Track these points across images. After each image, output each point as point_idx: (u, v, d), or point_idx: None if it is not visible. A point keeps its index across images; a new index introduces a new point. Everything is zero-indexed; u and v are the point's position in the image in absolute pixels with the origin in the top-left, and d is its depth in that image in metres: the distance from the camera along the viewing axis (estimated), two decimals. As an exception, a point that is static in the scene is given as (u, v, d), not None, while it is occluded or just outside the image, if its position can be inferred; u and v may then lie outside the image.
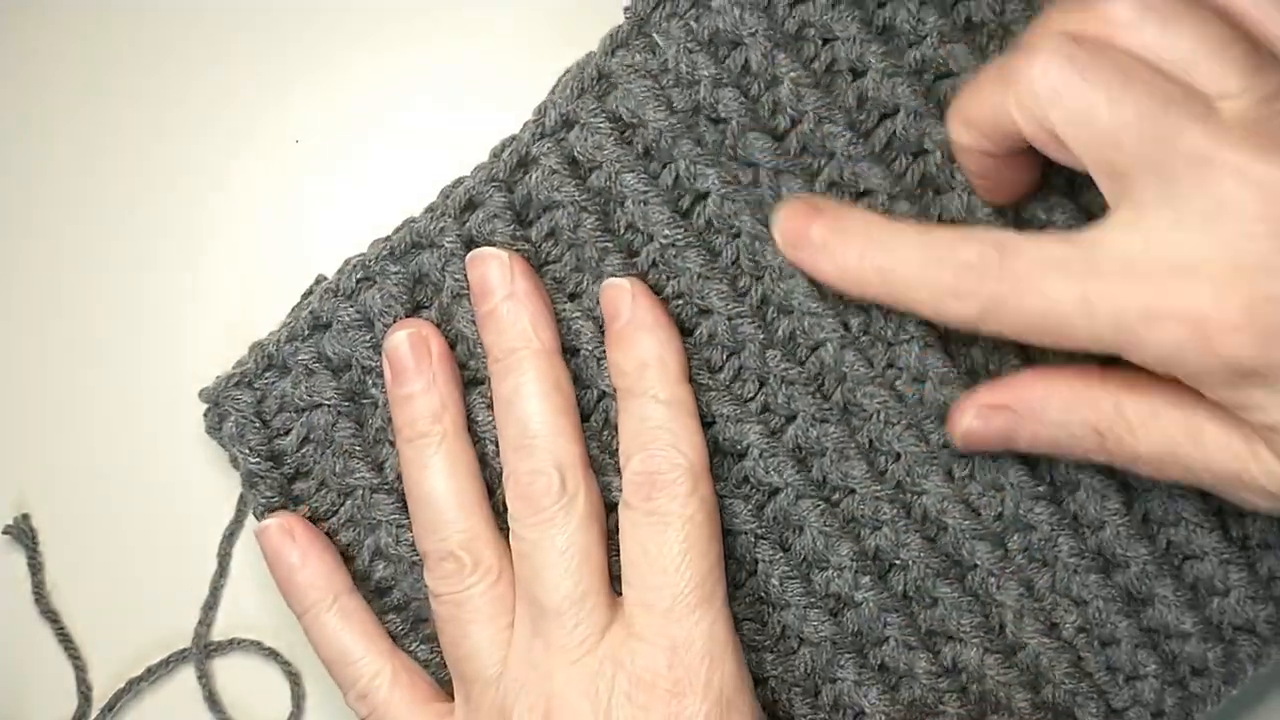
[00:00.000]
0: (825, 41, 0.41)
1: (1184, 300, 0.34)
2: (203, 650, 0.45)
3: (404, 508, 0.42)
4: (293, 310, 0.43)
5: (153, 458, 0.45)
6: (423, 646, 0.42)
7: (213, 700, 0.45)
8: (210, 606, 0.45)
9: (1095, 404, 0.38)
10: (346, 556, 0.42)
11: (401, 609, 0.43)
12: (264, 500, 0.42)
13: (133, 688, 0.44)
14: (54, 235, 0.45)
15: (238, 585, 0.45)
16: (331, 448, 0.42)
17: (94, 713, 0.45)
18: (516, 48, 0.43)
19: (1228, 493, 0.37)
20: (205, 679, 0.45)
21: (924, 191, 0.41)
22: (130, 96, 0.46)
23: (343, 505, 0.42)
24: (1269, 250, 0.33)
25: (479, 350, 0.41)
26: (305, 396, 0.42)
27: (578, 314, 0.41)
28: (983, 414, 0.40)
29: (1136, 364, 0.36)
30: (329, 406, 0.42)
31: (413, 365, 0.41)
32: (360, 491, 0.42)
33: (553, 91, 0.42)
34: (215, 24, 0.46)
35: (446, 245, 0.41)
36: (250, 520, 0.44)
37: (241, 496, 0.44)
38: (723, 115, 0.41)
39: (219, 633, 0.45)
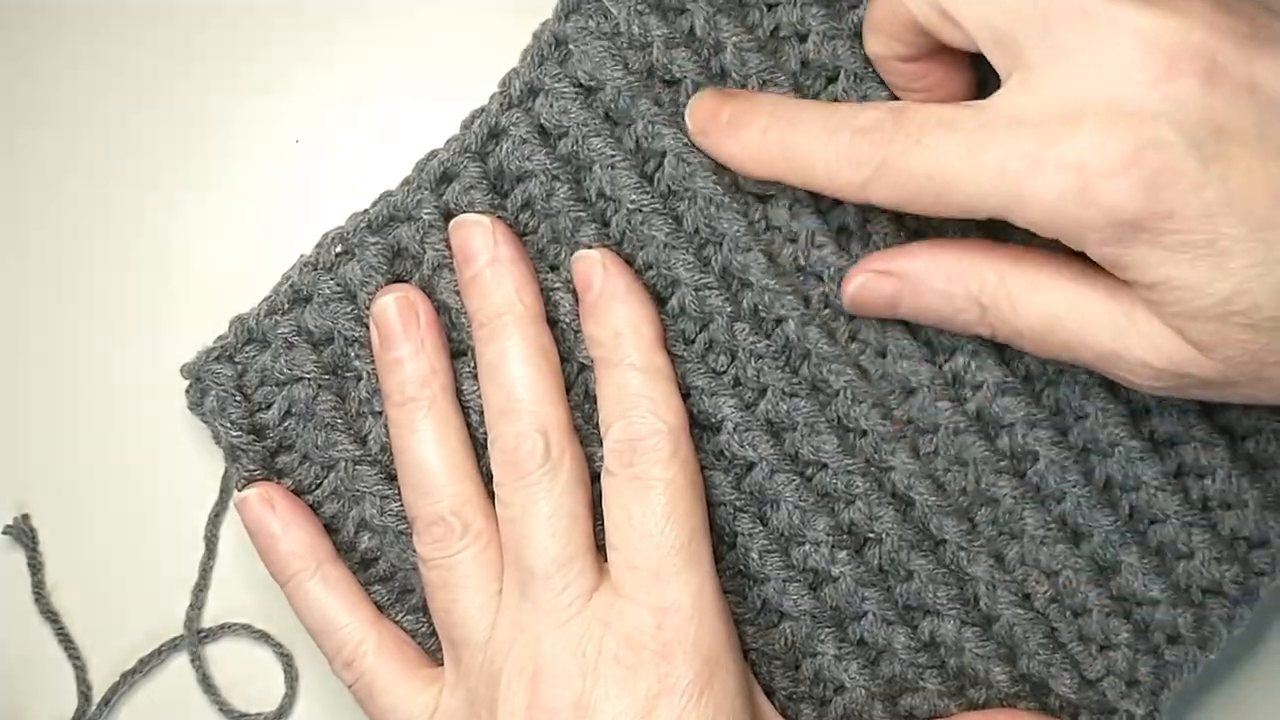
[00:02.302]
0: (769, 7, 0.42)
1: (1067, 147, 0.34)
2: (194, 636, 0.45)
3: (388, 479, 0.42)
4: (274, 287, 0.44)
5: (153, 458, 0.46)
6: (409, 617, 0.42)
7: (207, 685, 0.44)
8: (200, 589, 0.45)
9: (980, 275, 0.38)
10: (331, 529, 0.42)
11: (388, 580, 0.42)
12: (246, 473, 0.42)
13: (128, 680, 0.44)
14: (53, 236, 0.47)
15: (229, 570, 0.45)
16: (313, 421, 0.42)
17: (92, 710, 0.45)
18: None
19: (1108, 370, 0.37)
20: (199, 664, 0.45)
21: None
22: (130, 95, 0.47)
23: (326, 478, 0.43)
24: (1152, 97, 0.33)
25: (462, 320, 0.42)
26: (285, 370, 0.42)
27: (558, 285, 0.42)
28: (871, 279, 0.40)
29: (1021, 226, 0.36)
30: (309, 380, 0.42)
31: (400, 330, 0.41)
32: (343, 464, 0.42)
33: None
34: (216, 23, 0.47)
35: (425, 217, 0.42)
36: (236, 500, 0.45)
37: (224, 476, 0.45)
38: (677, 75, 0.41)
39: (212, 617, 0.45)
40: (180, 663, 0.45)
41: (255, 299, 0.43)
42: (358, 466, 0.42)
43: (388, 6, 0.47)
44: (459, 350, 0.42)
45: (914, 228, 0.41)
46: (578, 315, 0.41)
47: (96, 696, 0.45)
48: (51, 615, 0.45)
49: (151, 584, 0.45)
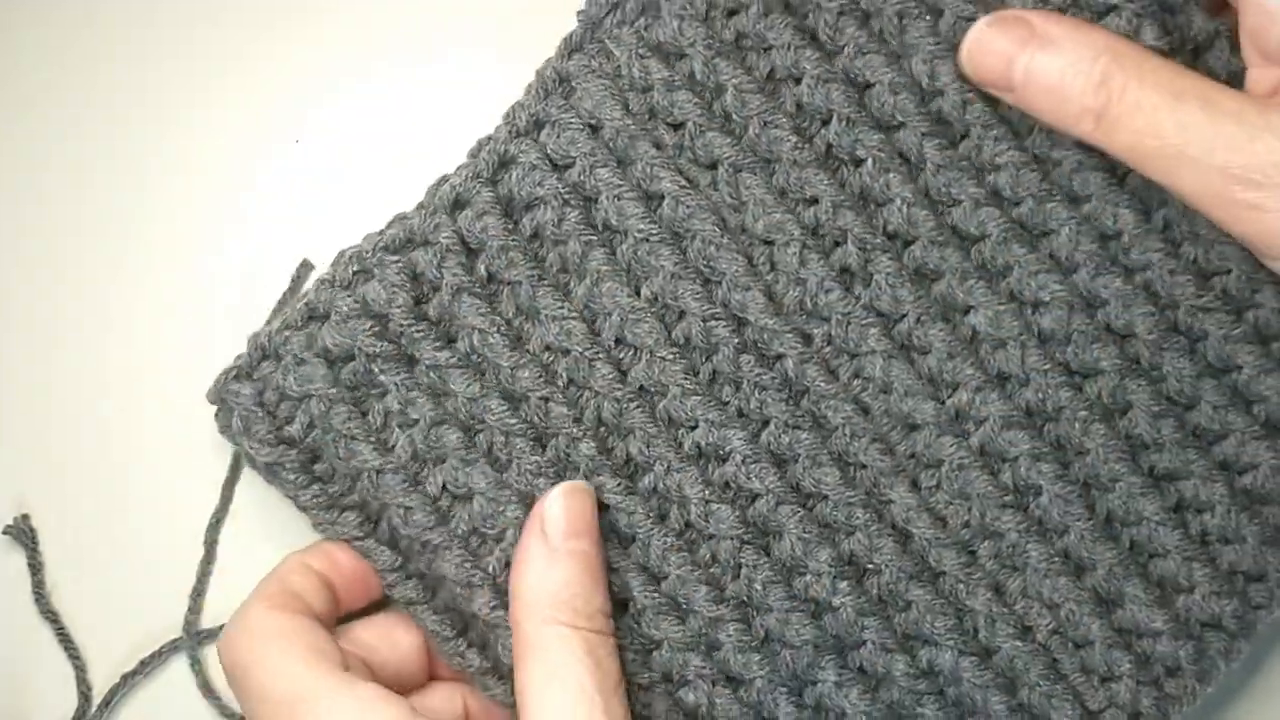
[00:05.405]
0: (765, 50, 0.42)
1: None
2: (194, 639, 0.45)
3: (410, 489, 0.42)
4: (281, 297, 0.43)
5: (154, 459, 0.46)
6: (435, 617, 0.42)
7: (207, 688, 0.45)
8: (199, 594, 0.45)
9: (1107, 44, 0.38)
10: (369, 523, 0.42)
11: (417, 578, 0.42)
12: (290, 483, 0.42)
13: (128, 681, 0.45)
14: (54, 237, 0.46)
15: (228, 572, 0.45)
16: (331, 434, 0.42)
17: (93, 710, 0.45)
18: (525, 56, 0.43)
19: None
20: (198, 667, 0.45)
21: (866, 201, 0.42)
22: (129, 95, 0.47)
23: (355, 487, 0.42)
24: None
25: (489, 341, 0.41)
26: (296, 387, 0.42)
27: (572, 315, 0.42)
28: (1002, 21, 0.39)
29: None
30: (319, 395, 0.42)
31: None
32: (367, 474, 0.42)
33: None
34: (215, 24, 0.47)
35: (442, 241, 0.42)
36: (236, 506, 0.45)
37: (225, 483, 0.45)
38: (679, 119, 0.41)
39: (211, 619, 0.45)
40: (180, 664, 0.45)
41: (255, 299, 0.43)
42: (380, 476, 0.42)
43: (390, 8, 0.47)
44: (483, 372, 0.42)
45: (914, 267, 0.41)
46: (591, 345, 0.42)
47: (96, 697, 0.45)
48: (51, 615, 0.45)
49: (151, 584, 0.45)
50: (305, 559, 0.42)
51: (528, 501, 0.41)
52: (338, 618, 0.43)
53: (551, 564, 0.40)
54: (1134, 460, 0.41)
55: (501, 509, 0.41)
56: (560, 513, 0.41)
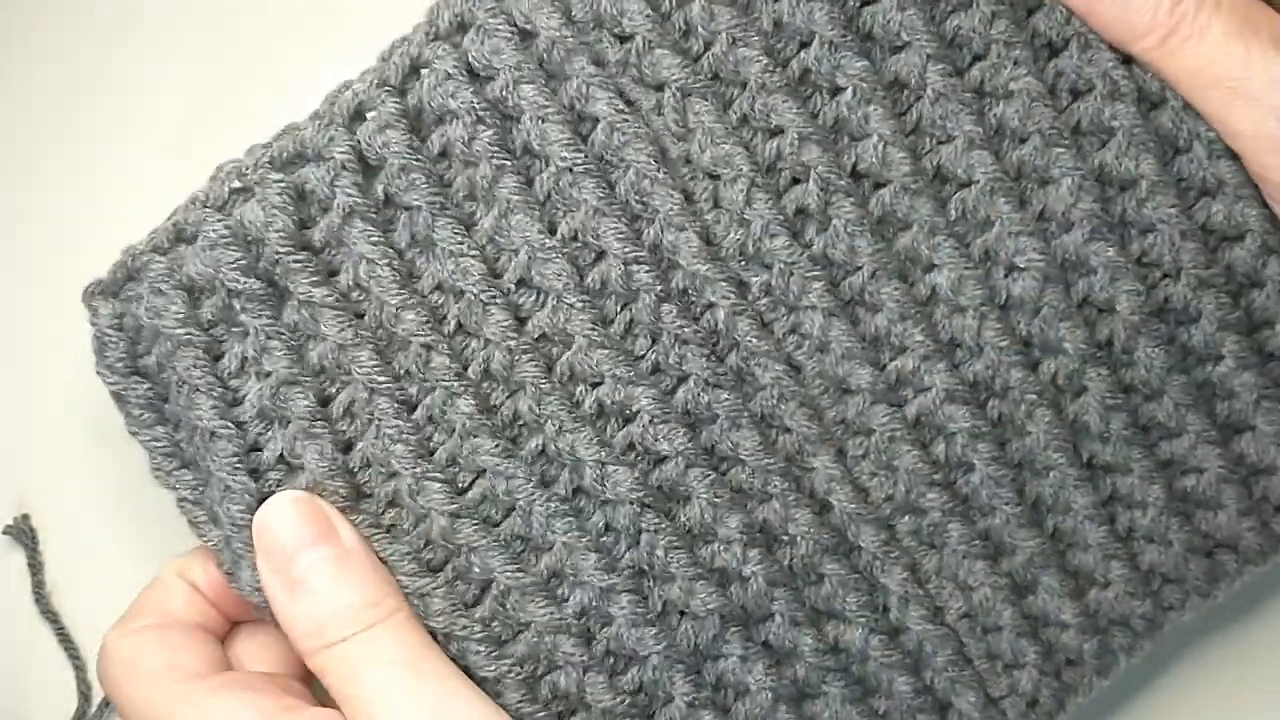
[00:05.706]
0: None
1: None
2: (193, 638, 0.45)
3: (242, 466, 0.38)
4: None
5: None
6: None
7: (204, 688, 0.45)
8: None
9: None
10: (198, 489, 0.39)
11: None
12: (134, 419, 0.38)
13: (127, 681, 0.45)
14: (54, 237, 0.47)
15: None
16: (176, 378, 0.38)
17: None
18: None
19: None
20: (196, 667, 0.45)
21: (838, 136, 0.38)
22: (129, 96, 0.47)
23: (193, 440, 0.38)
24: None
25: (376, 273, 0.37)
26: (146, 320, 0.38)
27: (473, 252, 0.37)
28: None
29: None
30: (166, 334, 0.38)
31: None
32: (200, 432, 0.38)
33: None
34: (217, 25, 0.47)
35: (337, 157, 0.37)
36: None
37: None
38: (628, 30, 0.37)
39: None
40: (178, 665, 0.45)
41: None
42: (213, 440, 0.37)
43: (390, 8, 0.47)
44: (360, 314, 0.38)
45: (879, 215, 0.38)
46: (488, 286, 0.38)
47: (96, 697, 0.45)
48: (51, 615, 0.45)
49: (152, 585, 0.45)
50: (180, 565, 0.40)
51: (357, 489, 0.38)
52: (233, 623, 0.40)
53: (295, 594, 0.37)
54: (1074, 450, 0.39)
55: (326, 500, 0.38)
56: (285, 533, 0.37)
